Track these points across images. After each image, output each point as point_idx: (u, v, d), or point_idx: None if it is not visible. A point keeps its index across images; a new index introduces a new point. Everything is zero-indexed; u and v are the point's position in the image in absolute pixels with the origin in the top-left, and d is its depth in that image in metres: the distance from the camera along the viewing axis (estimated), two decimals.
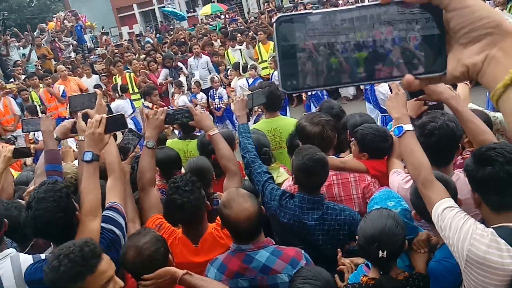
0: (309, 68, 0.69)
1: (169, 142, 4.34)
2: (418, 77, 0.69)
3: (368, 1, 0.70)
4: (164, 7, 28.44)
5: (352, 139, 3.00)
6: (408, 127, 2.06)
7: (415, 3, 0.67)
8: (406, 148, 2.06)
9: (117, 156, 2.65)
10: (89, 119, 2.49)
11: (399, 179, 2.49)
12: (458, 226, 1.73)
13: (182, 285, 2.12)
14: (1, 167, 3.32)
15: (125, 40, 16.63)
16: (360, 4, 0.69)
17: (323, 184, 2.66)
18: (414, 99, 2.47)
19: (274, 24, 0.69)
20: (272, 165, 3.49)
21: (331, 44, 0.68)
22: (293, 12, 0.71)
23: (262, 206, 2.40)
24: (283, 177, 3.39)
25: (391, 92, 2.25)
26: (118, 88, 9.09)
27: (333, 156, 3.01)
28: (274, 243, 2.34)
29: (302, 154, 2.55)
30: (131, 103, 9.06)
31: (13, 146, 3.43)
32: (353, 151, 3.00)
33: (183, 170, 3.54)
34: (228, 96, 8.85)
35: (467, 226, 1.71)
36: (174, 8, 25.13)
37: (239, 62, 9.11)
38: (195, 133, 4.40)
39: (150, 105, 8.14)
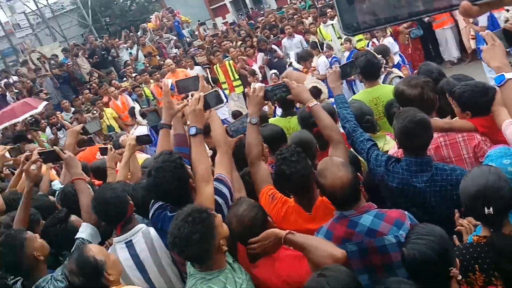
0: (367, 8, 0.71)
1: (271, 121, 4.49)
2: (476, 3, 0.68)
3: None
4: None
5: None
6: (510, 75, 1.98)
7: None
8: (510, 96, 1.98)
9: (222, 133, 2.87)
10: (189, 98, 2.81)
11: None
12: None
13: (287, 244, 2.26)
14: (128, 154, 3.74)
15: (220, 30, 17.18)
16: None
17: (428, 145, 2.61)
18: None
19: None
20: (377, 133, 3.48)
21: None
22: None
23: (358, 173, 2.43)
24: (390, 144, 3.36)
25: None
26: (210, 80, 9.50)
27: (437, 118, 2.95)
28: (376, 207, 2.36)
29: (403, 117, 2.54)
30: (224, 93, 9.43)
31: (135, 135, 3.83)
32: (456, 113, 2.91)
33: None
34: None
35: None
36: None
37: (316, 42, 8.96)
38: (295, 110, 4.49)
39: (301, 67, 8.49)
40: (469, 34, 7.89)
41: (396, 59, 8.03)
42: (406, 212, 2.32)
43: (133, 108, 9.29)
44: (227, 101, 9.40)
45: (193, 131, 2.69)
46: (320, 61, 8.65)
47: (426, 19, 9.15)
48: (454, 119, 3.02)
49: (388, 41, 8.03)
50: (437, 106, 2.93)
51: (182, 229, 2.08)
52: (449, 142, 2.81)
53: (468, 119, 2.81)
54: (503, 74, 1.99)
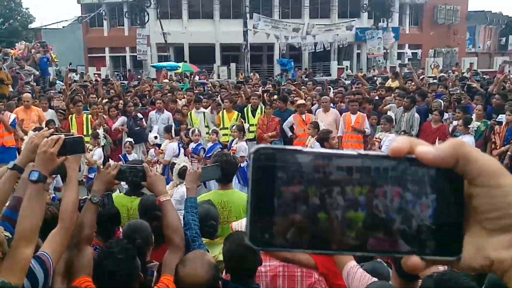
0: (288, 221, 0.54)
1: (113, 196, 4.10)
2: (424, 257, 0.54)
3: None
4: (136, 56, 28.71)
5: None
6: None
7: (433, 165, 0.53)
8: None
9: (74, 205, 2.41)
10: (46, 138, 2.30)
11: (366, 279, 2.23)
12: None
13: None
14: None
15: (90, 81, 16.44)
16: (364, 152, 0.55)
17: (255, 271, 2.50)
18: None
19: (252, 156, 0.54)
20: (216, 239, 3.33)
21: (321, 195, 0.54)
22: (277, 146, 0.57)
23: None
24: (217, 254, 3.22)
25: None
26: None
27: None
28: None
29: (230, 240, 2.50)
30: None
31: None
32: None
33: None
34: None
35: None
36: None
37: (172, 125, 8.85)
38: (143, 191, 4.18)
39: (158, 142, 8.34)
40: None
41: (242, 164, 8.25)
42: None
43: None
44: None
45: (34, 176, 2.17)
46: (169, 146, 8.50)
47: (289, 134, 9.79)
48: None
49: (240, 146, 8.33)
50: None
51: None
52: (288, 274, 2.72)
53: (312, 255, 2.77)
54: None
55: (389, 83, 13.35)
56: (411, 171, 0.53)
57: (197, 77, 17.51)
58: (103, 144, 8.58)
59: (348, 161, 0.54)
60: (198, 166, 3.14)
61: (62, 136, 2.29)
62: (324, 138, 6.40)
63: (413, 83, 11.79)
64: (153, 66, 25.37)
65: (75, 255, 2.48)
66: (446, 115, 9.44)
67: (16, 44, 18.64)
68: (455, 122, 8.86)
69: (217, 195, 4.09)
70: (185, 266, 2.19)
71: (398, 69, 15.85)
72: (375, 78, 18.45)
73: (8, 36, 33.11)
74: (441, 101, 10.00)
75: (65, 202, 2.39)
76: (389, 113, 9.35)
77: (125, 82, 19.05)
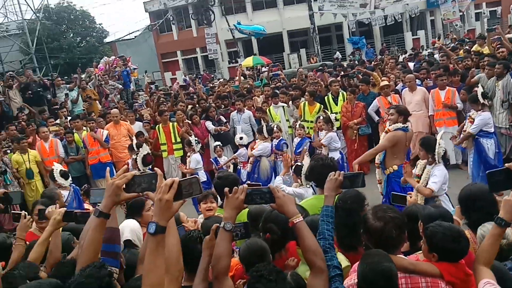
0: None
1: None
2: None
3: None
4: (207, 56, 29.19)
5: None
6: None
7: None
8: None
9: (178, 251, 2.36)
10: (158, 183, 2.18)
11: None
12: None
13: None
14: (50, 229, 3.20)
15: (169, 86, 16.91)
16: None
17: None
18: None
19: None
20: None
21: None
22: None
23: None
24: (343, 263, 3.09)
25: None
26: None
27: (402, 256, 2.73)
28: None
29: (367, 262, 2.36)
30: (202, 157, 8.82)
31: (64, 209, 3.28)
32: (422, 250, 2.74)
33: None
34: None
35: None
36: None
37: (263, 126, 8.54)
38: None
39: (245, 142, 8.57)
40: None
41: (336, 155, 7.93)
42: None
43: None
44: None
45: (152, 228, 2.04)
46: (264, 146, 8.34)
47: (376, 119, 9.42)
48: (420, 255, 2.81)
49: (331, 136, 8.09)
50: (402, 245, 2.71)
51: None
52: (411, 286, 2.56)
53: (433, 262, 2.61)
54: None
55: (476, 47, 12.31)
56: None
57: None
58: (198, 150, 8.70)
59: None
60: (340, 173, 2.98)
61: (176, 179, 2.15)
62: None
63: (502, 50, 10.72)
64: (237, 26, 25.37)
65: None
66: None
67: (100, 60, 19.60)
68: None
69: (318, 200, 3.98)
70: None
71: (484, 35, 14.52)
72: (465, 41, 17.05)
73: (87, 53, 35.07)
74: None
75: (168, 250, 2.24)
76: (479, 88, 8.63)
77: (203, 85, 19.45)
